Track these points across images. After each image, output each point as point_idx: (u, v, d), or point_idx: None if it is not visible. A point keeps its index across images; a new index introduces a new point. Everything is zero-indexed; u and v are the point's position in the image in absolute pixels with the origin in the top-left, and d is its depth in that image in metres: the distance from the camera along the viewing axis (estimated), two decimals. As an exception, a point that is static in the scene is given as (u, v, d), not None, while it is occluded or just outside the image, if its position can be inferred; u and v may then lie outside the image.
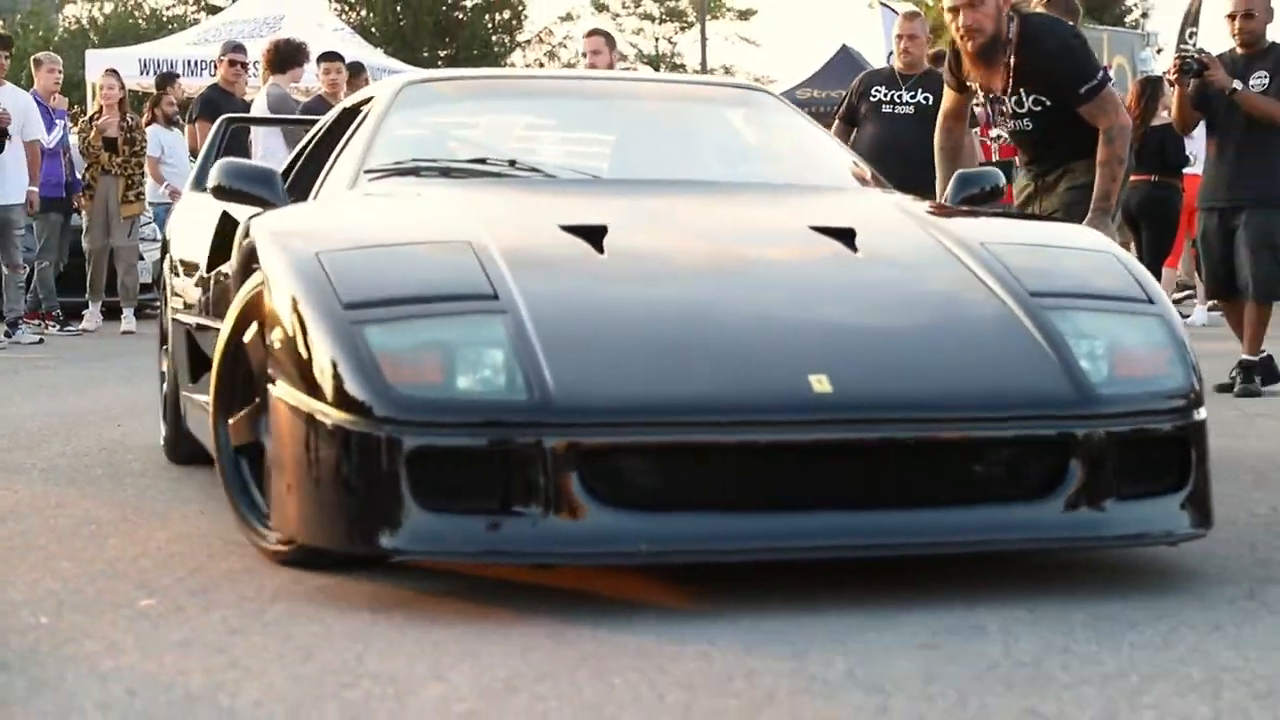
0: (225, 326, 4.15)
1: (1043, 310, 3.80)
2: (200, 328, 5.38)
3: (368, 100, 5.60)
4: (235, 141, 10.12)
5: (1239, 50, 7.77)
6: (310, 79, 13.65)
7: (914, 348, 3.77)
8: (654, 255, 4.20)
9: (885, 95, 8.69)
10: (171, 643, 3.29)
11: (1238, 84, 7.38)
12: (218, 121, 7.23)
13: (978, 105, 6.16)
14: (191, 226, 6.00)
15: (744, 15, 39.46)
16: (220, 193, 4.90)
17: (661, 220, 4.56)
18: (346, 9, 35.50)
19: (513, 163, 5.18)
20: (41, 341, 12.11)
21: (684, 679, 2.95)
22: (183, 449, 5.74)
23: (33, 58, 13.81)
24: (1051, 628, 3.25)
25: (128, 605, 3.64)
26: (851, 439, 3.52)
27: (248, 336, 4.01)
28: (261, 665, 3.11)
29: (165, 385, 6.07)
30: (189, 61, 19.45)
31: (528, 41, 38.08)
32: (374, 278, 3.78)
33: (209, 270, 5.40)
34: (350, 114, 5.73)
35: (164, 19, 37.56)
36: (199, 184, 6.43)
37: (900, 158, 7.47)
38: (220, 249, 5.26)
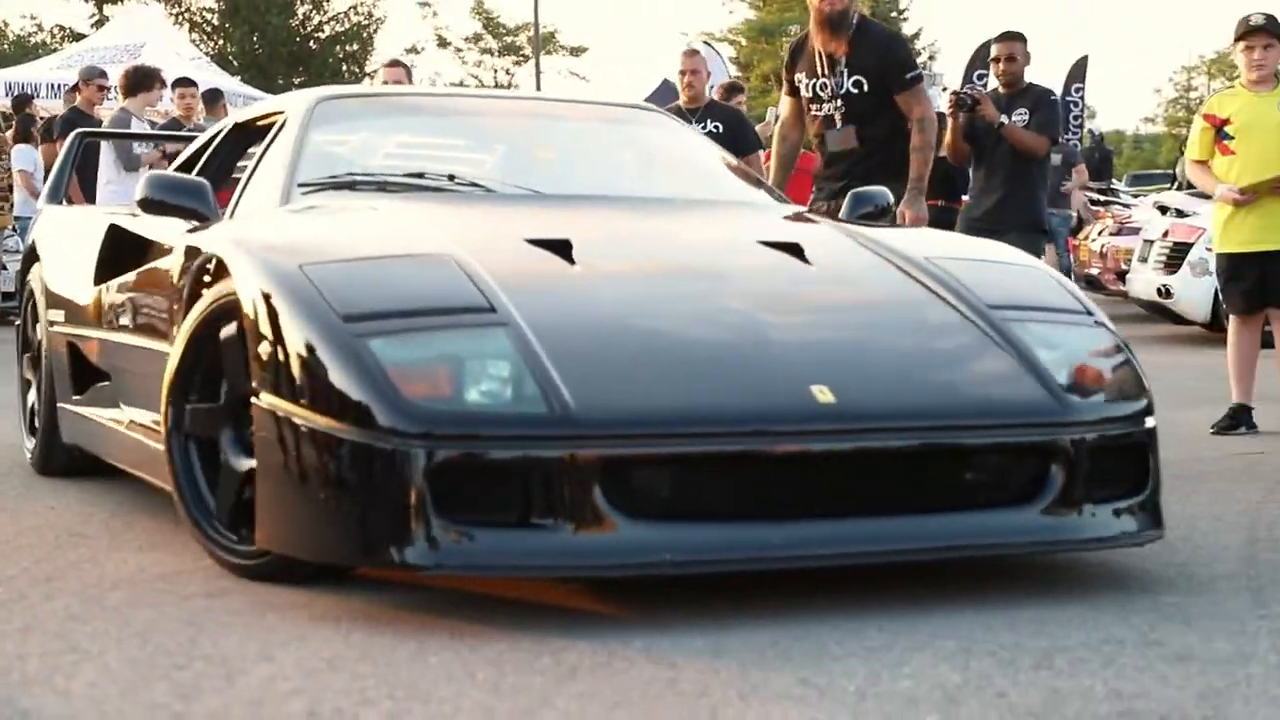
0: (185, 329, 3.78)
1: (1004, 322, 3.67)
2: (85, 339, 5.06)
3: (268, 116, 5.22)
4: (86, 159, 10.04)
5: (1001, 90, 7.95)
6: (167, 103, 13.41)
7: (899, 358, 3.59)
8: (625, 269, 3.94)
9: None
10: (12, 629, 3.21)
11: (1004, 118, 7.54)
12: (70, 136, 6.79)
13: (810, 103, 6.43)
14: (69, 239, 5.56)
15: (575, 52, 39.49)
16: (149, 205, 4.44)
17: (617, 234, 4.30)
18: (205, 38, 34.97)
19: (451, 177, 4.80)
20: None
21: (494, 658, 2.93)
22: (55, 461, 5.34)
23: None
24: (824, 606, 3.27)
25: (-26, 594, 3.55)
26: (858, 448, 3.30)
27: (224, 334, 3.66)
28: (99, 649, 3.04)
29: (33, 395, 5.66)
30: (52, 85, 19.00)
31: (375, 71, 37.74)
32: (366, 291, 3.45)
33: (97, 282, 5.01)
34: (245, 130, 5.43)
35: (28, 45, 36.71)
36: (54, 198, 6.21)
37: None
38: (110, 261, 4.98)
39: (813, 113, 6.36)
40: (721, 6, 36.18)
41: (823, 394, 3.25)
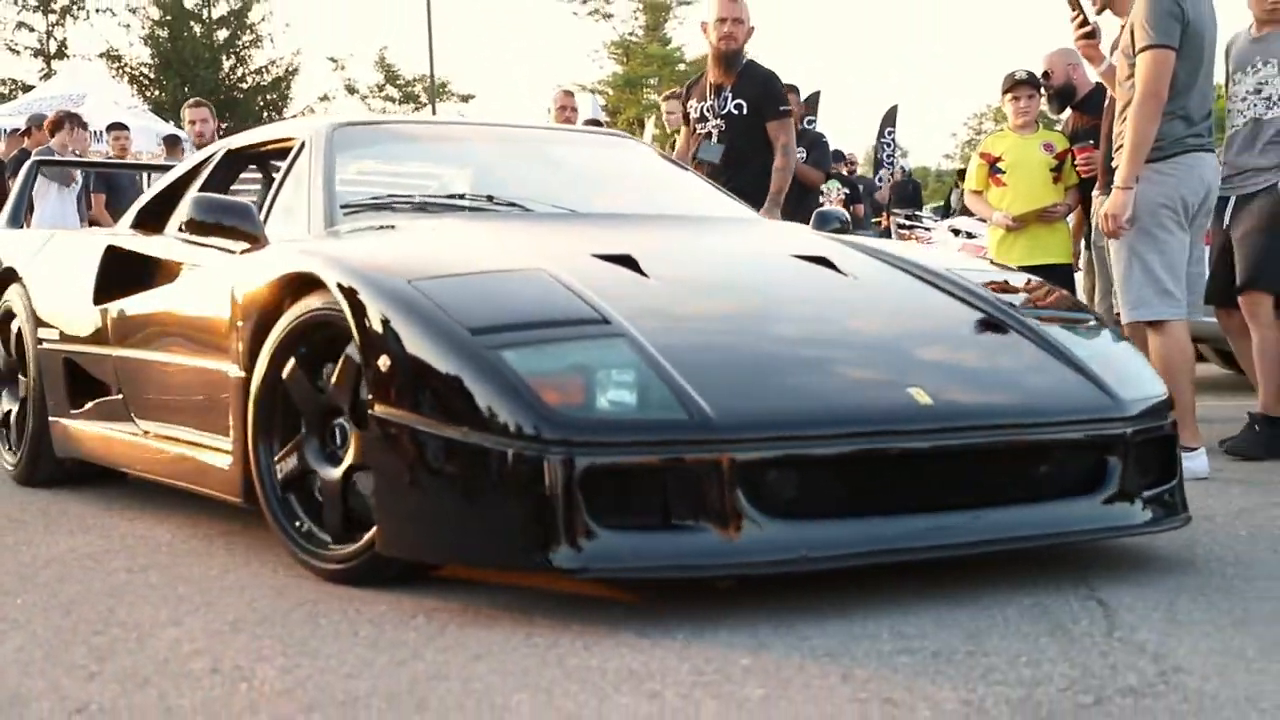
0: (269, 345, 3.40)
1: (1039, 325, 3.45)
2: (86, 356, 4.63)
3: (274, 142, 4.78)
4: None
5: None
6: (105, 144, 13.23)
7: (971, 360, 3.32)
8: (693, 281, 3.55)
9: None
10: (-46, 603, 3.14)
11: None
12: (27, 163, 6.42)
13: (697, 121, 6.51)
14: (56, 261, 5.05)
15: (465, 99, 39.25)
16: (196, 226, 3.94)
17: (669, 249, 3.85)
18: (142, 89, 34.39)
19: (490, 198, 4.36)
20: None
21: (375, 618, 2.91)
22: (41, 473, 4.93)
23: None
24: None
25: (-79, 574, 3.46)
26: (958, 445, 3.00)
27: (288, 368, 3.35)
28: (27, 619, 2.98)
29: (12, 410, 5.16)
30: (5, 130, 18.58)
31: (293, 117, 37.31)
32: (482, 305, 3.06)
33: (98, 302, 4.59)
34: (240, 155, 4.98)
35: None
36: (14, 222, 5.80)
37: None
38: (113, 281, 4.58)
39: (696, 131, 6.48)
40: (591, 62, 36.04)
41: (921, 395, 2.99)
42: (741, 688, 2.38)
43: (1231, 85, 5.56)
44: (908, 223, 17.79)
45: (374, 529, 3.08)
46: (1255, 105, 5.42)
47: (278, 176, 4.41)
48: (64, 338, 4.80)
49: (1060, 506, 3.11)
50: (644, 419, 2.80)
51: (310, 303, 3.32)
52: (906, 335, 3.38)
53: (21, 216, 5.87)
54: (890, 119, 21.94)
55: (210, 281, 3.92)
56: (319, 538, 3.29)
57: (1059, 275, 6.35)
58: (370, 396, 3.04)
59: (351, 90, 38.02)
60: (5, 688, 2.48)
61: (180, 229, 4.38)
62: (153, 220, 4.96)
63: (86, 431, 4.60)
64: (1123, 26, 5.18)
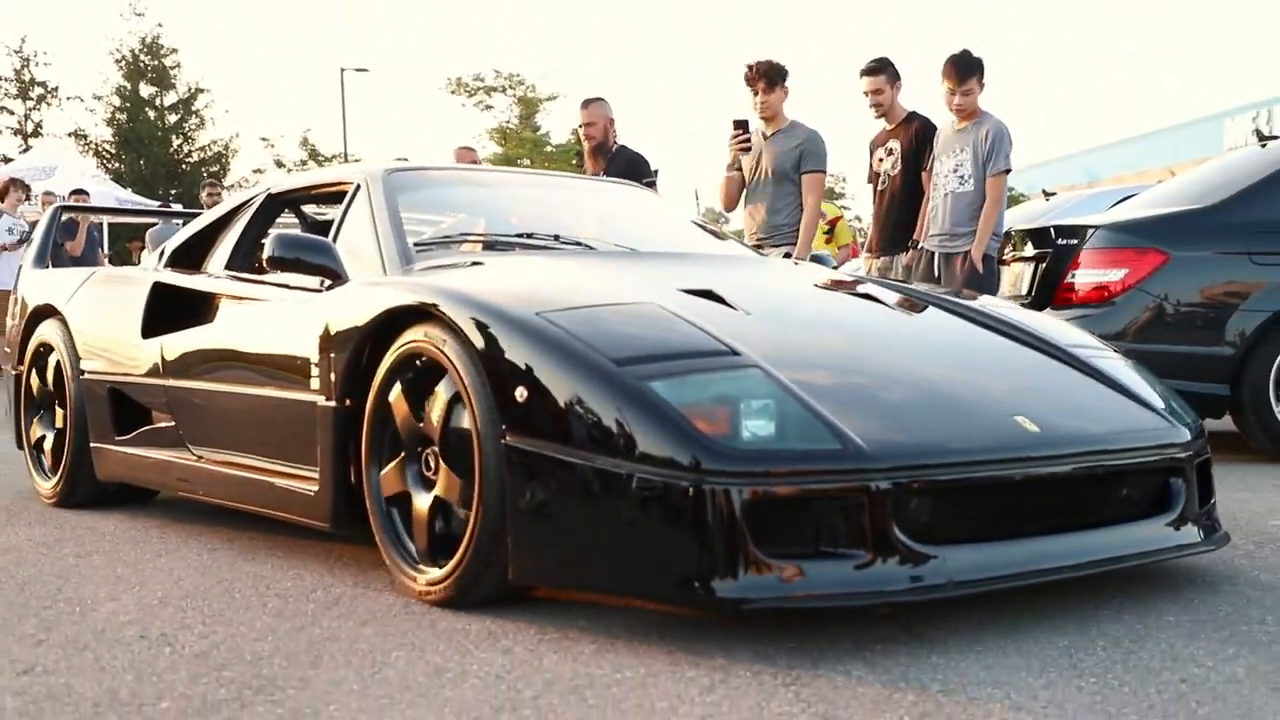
0: (380, 377, 2.87)
1: (1089, 358, 3.02)
2: (135, 386, 4.05)
3: (322, 186, 4.12)
4: None
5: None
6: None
7: (1048, 390, 2.82)
8: (779, 315, 3.01)
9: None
10: (-77, 585, 2.99)
11: None
12: (51, 209, 5.59)
13: None
14: (98, 297, 4.44)
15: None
16: (278, 263, 3.34)
17: (742, 284, 3.21)
18: (104, 161, 33.46)
19: (556, 237, 3.70)
20: None
21: (281, 592, 2.84)
22: (79, 496, 4.28)
23: None
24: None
25: (-103, 561, 3.28)
26: (1068, 471, 2.56)
27: (393, 395, 2.84)
28: (-13, 597, 2.85)
29: (47, 437, 4.48)
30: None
31: (231, 186, 36.50)
32: (616, 336, 2.53)
33: (146, 335, 4.03)
34: (281, 200, 4.30)
35: (-27, 165, 34.55)
36: (40, 263, 5.07)
37: None
38: (160, 316, 4.06)
39: None
40: (475, 141, 35.88)
41: (1028, 424, 2.55)
42: (577, 644, 2.36)
43: (936, 165, 5.63)
44: None
45: (459, 556, 2.61)
46: (950, 181, 5.53)
47: (335, 218, 3.78)
48: (109, 369, 4.21)
49: (1139, 530, 2.69)
50: (801, 449, 2.32)
51: (413, 334, 2.81)
52: (985, 365, 2.91)
53: (48, 257, 5.25)
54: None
55: (290, 316, 3.39)
56: (415, 560, 2.78)
57: None
58: (503, 426, 2.52)
59: (280, 164, 37.30)
60: (-38, 654, 2.37)
61: (259, 266, 3.92)
62: (188, 259, 4.42)
63: (136, 457, 4.02)
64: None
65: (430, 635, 2.43)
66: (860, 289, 3.41)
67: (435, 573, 2.68)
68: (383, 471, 2.86)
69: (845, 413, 2.40)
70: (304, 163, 37.09)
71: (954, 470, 2.41)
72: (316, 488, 3.07)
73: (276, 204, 4.33)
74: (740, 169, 5.90)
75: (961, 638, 2.34)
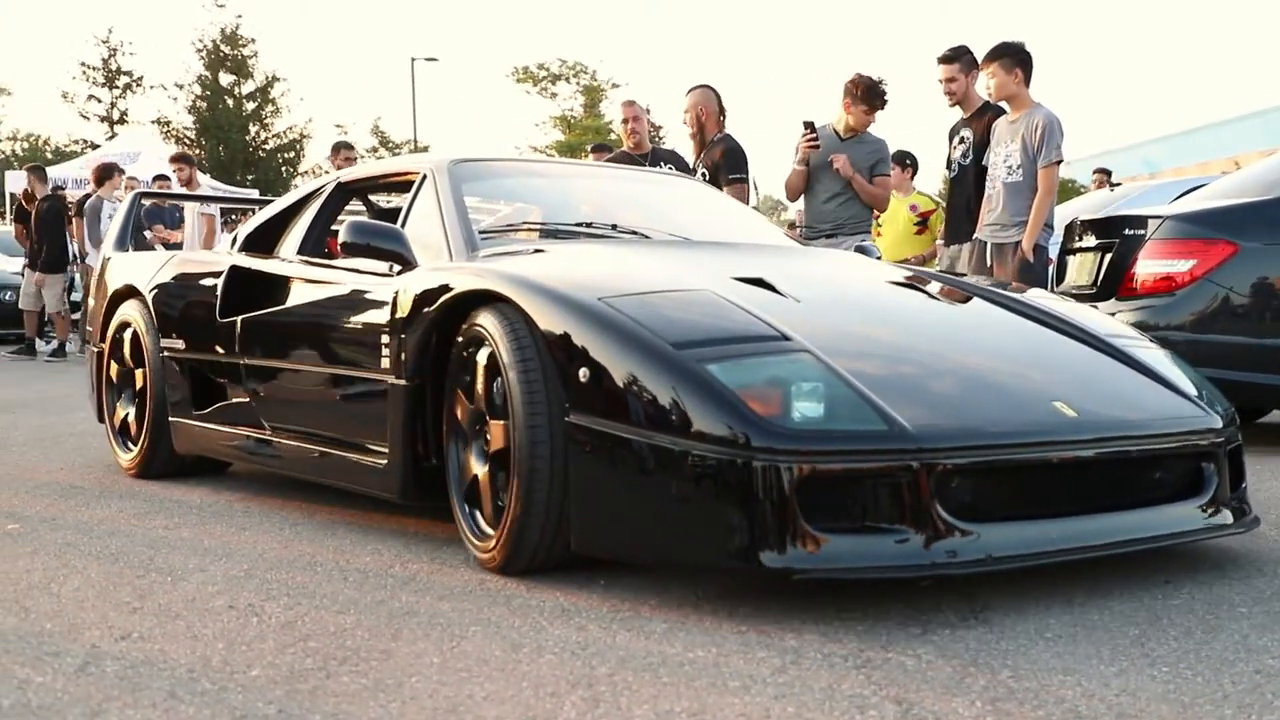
0: (456, 361, 2.98)
1: (1125, 347, 3.07)
2: (212, 364, 4.15)
3: (390, 176, 4.25)
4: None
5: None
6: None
7: (1086, 376, 2.87)
8: (829, 302, 3.08)
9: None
10: (23, 553, 3.06)
11: None
12: (131, 194, 5.68)
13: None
14: (183, 279, 4.51)
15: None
16: (350, 249, 3.42)
17: (793, 273, 3.28)
18: (185, 148, 33.94)
19: (614, 226, 3.78)
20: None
21: (360, 567, 2.87)
22: (156, 467, 4.36)
23: None
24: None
25: (-3, 529, 3.38)
26: (1104, 454, 2.63)
27: (461, 374, 2.95)
28: (84, 565, 2.91)
29: (128, 412, 4.55)
30: (77, 179, 18.23)
31: (306, 172, 36.93)
32: (674, 321, 2.63)
33: (223, 316, 4.11)
34: (349, 189, 4.38)
35: (64, 151, 35.22)
36: (121, 246, 5.16)
37: None
38: (236, 298, 4.14)
39: None
40: (537, 129, 35.91)
41: (1066, 409, 2.61)
42: (649, 622, 2.37)
43: (992, 155, 5.56)
44: None
45: (503, 527, 2.73)
46: (1002, 172, 5.46)
47: (403, 206, 3.86)
48: (189, 347, 4.32)
49: (1172, 511, 2.74)
50: (848, 430, 2.40)
51: (479, 318, 2.90)
52: (1027, 353, 2.97)
53: (128, 241, 5.34)
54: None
55: (362, 299, 3.47)
56: (483, 530, 2.88)
57: None
58: (567, 405, 2.63)
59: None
60: (65, 619, 2.42)
61: (329, 251, 4.08)
62: (261, 245, 4.57)
63: (212, 431, 4.14)
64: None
65: (506, 611, 2.45)
66: (905, 279, 3.48)
67: (490, 541, 2.80)
68: (463, 448, 2.95)
69: (891, 396, 2.48)
70: (375, 150, 37.44)
71: (994, 452, 2.48)
72: (386, 462, 3.18)
73: (346, 192, 4.43)
74: (807, 164, 5.85)
75: (1030, 624, 2.32)
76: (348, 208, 4.61)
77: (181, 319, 4.41)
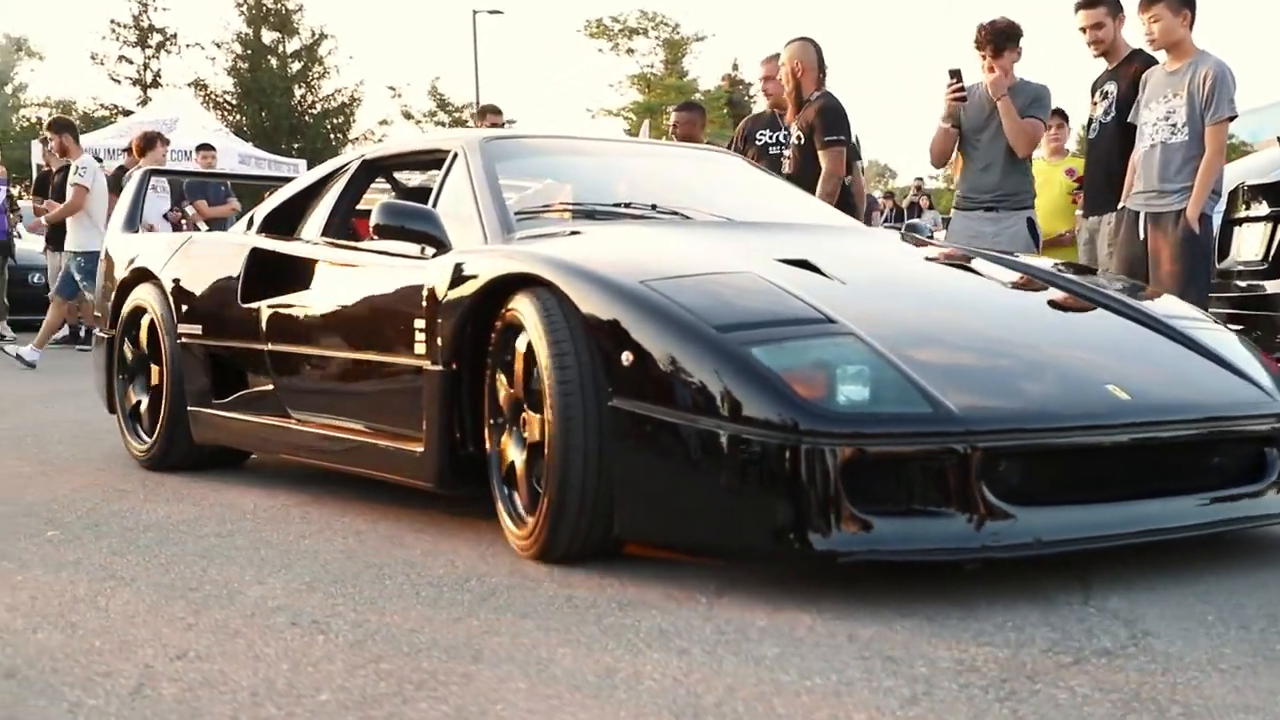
0: (499, 347, 3.22)
1: (1185, 329, 3.28)
2: (235, 350, 4.42)
3: (419, 153, 4.57)
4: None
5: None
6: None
7: (1142, 359, 3.10)
8: (874, 283, 3.30)
9: (770, 137, 6.65)
10: (67, 562, 3.15)
11: None
12: (140, 172, 6.01)
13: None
14: (201, 262, 4.74)
15: (508, 124, 39.35)
16: (383, 231, 3.64)
17: (836, 253, 3.51)
18: (224, 114, 34.55)
19: (654, 206, 4.04)
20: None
21: (434, 580, 2.91)
22: (173, 458, 4.63)
23: None
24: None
25: (38, 535, 3.47)
26: (1157, 438, 2.84)
27: (500, 359, 3.20)
28: (132, 577, 2.99)
29: (138, 400, 4.82)
30: (110, 150, 18.64)
31: (356, 139, 37.41)
32: (717, 304, 2.86)
33: (245, 300, 4.37)
34: (375, 166, 4.63)
35: (94, 118, 36.02)
36: (130, 227, 5.46)
37: None
38: (258, 282, 4.39)
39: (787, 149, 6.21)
40: (614, 90, 35.98)
41: (1119, 392, 2.82)
42: (759, 645, 2.36)
43: (1144, 112, 5.37)
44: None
45: (539, 513, 2.98)
46: (1161, 131, 5.26)
47: (434, 185, 4.10)
48: (207, 333, 4.56)
49: (1231, 496, 2.92)
50: (894, 412, 2.62)
51: (517, 301, 3.13)
52: (1079, 335, 3.21)
53: (137, 222, 5.61)
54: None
55: (394, 283, 3.70)
56: (522, 517, 3.11)
57: None
58: (610, 389, 2.86)
59: (408, 116, 38.08)
60: (115, 635, 2.49)
61: (355, 231, 4.31)
62: (280, 226, 4.76)
63: (234, 420, 4.39)
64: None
65: (596, 631, 2.46)
66: (954, 259, 3.72)
67: (526, 528, 3.06)
68: (499, 434, 3.21)
69: (937, 378, 2.69)
70: (432, 114, 37.84)
71: (1043, 435, 2.70)
72: (422, 448, 3.42)
73: (371, 171, 4.66)
74: (958, 124, 5.74)
75: (1201, 653, 2.27)
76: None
77: (200, 304, 4.63)
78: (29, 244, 13.81)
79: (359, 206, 4.65)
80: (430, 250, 3.63)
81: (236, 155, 18.35)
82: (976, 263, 3.69)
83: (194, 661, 2.31)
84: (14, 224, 12.96)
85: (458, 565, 3.05)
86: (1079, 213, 5.94)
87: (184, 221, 10.77)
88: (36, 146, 20.31)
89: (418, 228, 3.64)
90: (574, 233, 3.64)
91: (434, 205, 3.87)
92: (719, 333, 2.74)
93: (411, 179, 5.18)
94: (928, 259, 3.74)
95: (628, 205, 4.06)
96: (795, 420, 2.57)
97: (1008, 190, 5.65)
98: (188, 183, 11.47)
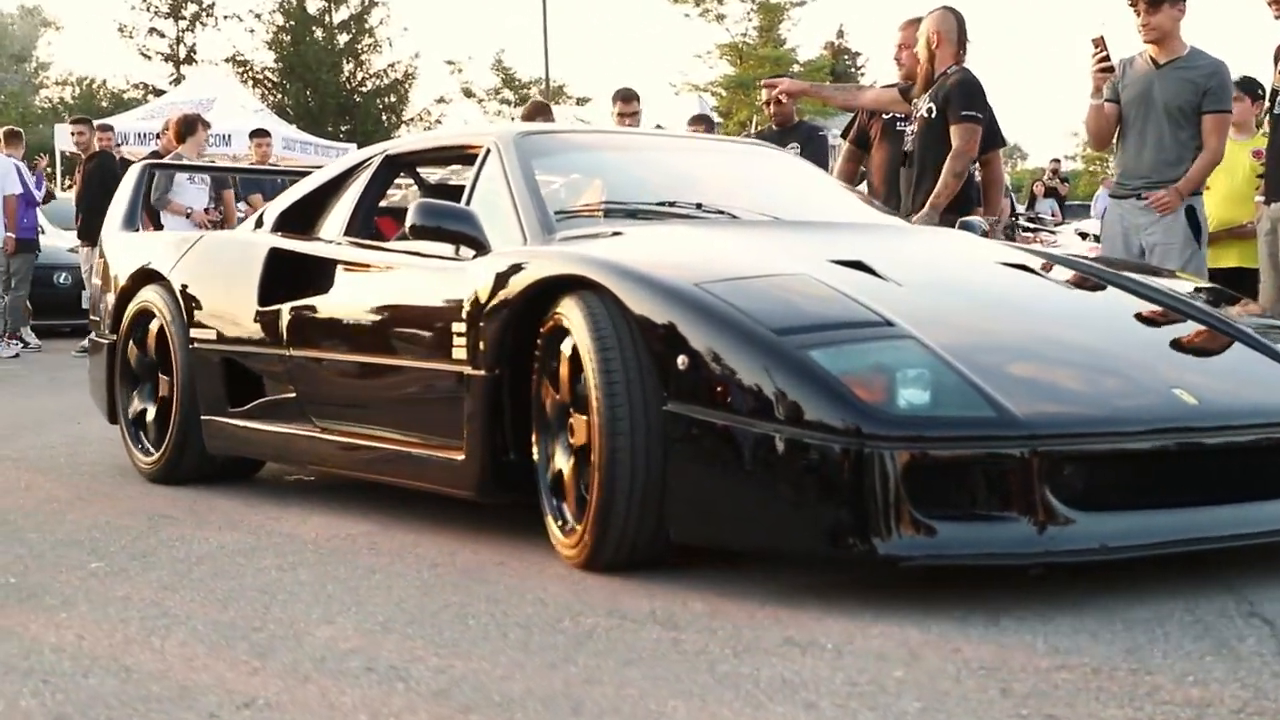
0: (546, 351, 3.47)
1: (1260, 333, 3.54)
2: (253, 356, 4.63)
3: (447, 149, 4.85)
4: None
5: (775, 128, 8.05)
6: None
7: (1210, 362, 3.44)
8: (931, 285, 3.58)
9: (899, 113, 6.52)
10: (115, 597, 3.21)
11: None
12: (140, 165, 6.13)
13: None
14: (215, 262, 4.96)
15: (580, 101, 39.44)
16: (420, 232, 3.89)
17: (891, 254, 3.79)
18: (266, 92, 35.03)
19: (699, 205, 4.31)
20: (18, 356, 11.67)
21: (522, 620, 2.92)
22: (182, 471, 4.86)
23: (4, 132, 13.20)
24: (803, 576, 3.26)
25: (80, 568, 3.55)
26: (1226, 443, 3.09)
27: (548, 364, 3.45)
28: (187, 614, 3.04)
29: (143, 408, 5.05)
30: (139, 133, 19.01)
31: (411, 119, 37.78)
32: (774, 307, 3.14)
33: (264, 304, 4.58)
34: (398, 162, 4.88)
35: (121, 99, 36.73)
36: (129, 225, 5.64)
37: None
38: (279, 284, 4.60)
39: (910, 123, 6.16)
40: (702, 62, 35.90)
41: (1186, 397, 3.08)
42: (898, 700, 2.35)
43: None
44: (1031, 225, 17.49)
45: (585, 520, 3.25)
46: None
47: (466, 183, 4.35)
48: (223, 338, 4.76)
49: None
50: (956, 416, 2.89)
51: (564, 305, 3.38)
52: (1144, 337, 3.53)
53: (138, 219, 5.76)
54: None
55: (429, 285, 3.96)
56: (570, 525, 3.37)
57: (1250, 280, 6.09)
58: (664, 394, 3.13)
59: (468, 94, 38.36)
60: (174, 681, 2.53)
61: (380, 232, 4.55)
62: (295, 224, 4.95)
63: (251, 430, 4.62)
64: None
65: (710, 681, 2.47)
66: (1011, 258, 3.96)
67: (574, 534, 3.31)
68: (548, 441, 3.46)
69: (998, 382, 2.96)
70: (497, 91, 38.11)
71: (1108, 440, 2.98)
72: (462, 456, 3.67)
73: (394, 166, 4.90)
74: (1116, 99, 5.67)
75: None
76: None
77: (215, 307, 4.84)
78: (54, 240, 14.00)
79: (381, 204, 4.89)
80: (468, 251, 3.88)
81: (280, 140, 18.61)
82: (1034, 261, 3.97)
83: (263, 710, 2.35)
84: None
85: (548, 603, 3.07)
86: (1259, 198, 5.82)
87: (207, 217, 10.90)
88: (60, 130, 20.78)
89: (457, 228, 3.89)
90: (616, 233, 3.88)
91: (466, 204, 4.11)
92: (778, 336, 3.02)
93: (431, 175, 5.33)
94: (983, 258, 3.98)
95: (672, 204, 4.31)
96: (857, 424, 2.84)
97: (1171, 177, 5.55)
98: (243, 179, 11.68)
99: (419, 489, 3.94)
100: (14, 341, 11.88)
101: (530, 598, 3.13)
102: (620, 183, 4.61)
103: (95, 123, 13.33)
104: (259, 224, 5.15)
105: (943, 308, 3.36)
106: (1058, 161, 24.14)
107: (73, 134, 12.94)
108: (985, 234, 4.69)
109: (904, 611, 2.89)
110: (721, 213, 4.29)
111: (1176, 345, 3.48)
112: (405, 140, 5.14)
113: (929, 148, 5.93)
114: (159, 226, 10.24)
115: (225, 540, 3.89)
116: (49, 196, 14.65)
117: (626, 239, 3.81)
